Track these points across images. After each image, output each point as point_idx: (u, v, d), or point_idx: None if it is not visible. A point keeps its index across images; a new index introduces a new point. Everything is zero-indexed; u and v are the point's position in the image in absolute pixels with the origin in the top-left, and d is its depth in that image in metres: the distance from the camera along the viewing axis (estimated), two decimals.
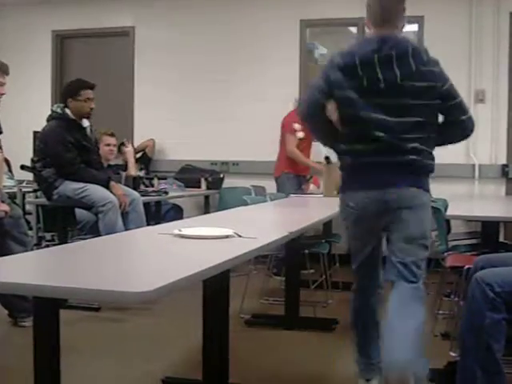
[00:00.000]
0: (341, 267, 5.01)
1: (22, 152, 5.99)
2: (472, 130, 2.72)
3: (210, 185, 6.20)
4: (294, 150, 5.73)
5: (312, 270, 4.45)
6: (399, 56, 2.58)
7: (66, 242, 4.29)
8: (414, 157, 2.60)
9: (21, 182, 5.82)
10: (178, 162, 6.62)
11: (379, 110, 2.59)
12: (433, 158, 2.68)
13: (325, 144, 3.02)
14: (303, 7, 6.44)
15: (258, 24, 6.57)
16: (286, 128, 5.76)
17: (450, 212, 3.75)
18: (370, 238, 2.78)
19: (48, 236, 5.36)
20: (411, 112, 2.60)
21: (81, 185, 4.42)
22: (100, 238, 2.73)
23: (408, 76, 2.57)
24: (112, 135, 5.48)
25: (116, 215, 4.37)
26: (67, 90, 4.61)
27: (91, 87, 4.52)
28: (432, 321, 3.90)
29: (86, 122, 4.57)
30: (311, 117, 2.78)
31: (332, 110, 2.67)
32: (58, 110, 4.48)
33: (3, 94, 3.80)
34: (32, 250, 3.85)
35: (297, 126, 5.63)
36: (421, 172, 2.67)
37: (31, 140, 5.88)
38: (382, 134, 2.59)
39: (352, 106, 2.62)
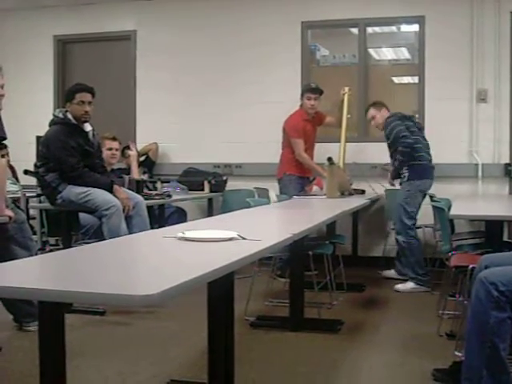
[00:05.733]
0: (345, 268, 5.01)
1: (25, 157, 6.01)
2: None
3: (213, 187, 6.19)
4: (302, 154, 5.72)
5: (316, 272, 4.44)
6: None
7: (70, 247, 4.30)
8: None
9: (24, 186, 5.82)
10: (181, 166, 6.62)
11: None
12: None
13: None
14: (304, 9, 6.45)
15: (260, 26, 6.57)
16: (291, 133, 5.74)
17: (453, 212, 3.74)
18: None
19: (52, 240, 5.36)
20: None
21: (84, 189, 4.41)
22: (104, 241, 2.73)
23: None
24: (114, 139, 5.46)
25: (120, 219, 4.36)
26: (65, 94, 4.63)
27: (86, 90, 4.48)
28: (437, 321, 3.91)
29: (88, 127, 4.56)
30: None
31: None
32: (60, 115, 4.48)
33: (3, 96, 3.61)
34: (36, 254, 3.86)
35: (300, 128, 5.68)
36: None
37: (34, 145, 5.88)
38: None
39: None
